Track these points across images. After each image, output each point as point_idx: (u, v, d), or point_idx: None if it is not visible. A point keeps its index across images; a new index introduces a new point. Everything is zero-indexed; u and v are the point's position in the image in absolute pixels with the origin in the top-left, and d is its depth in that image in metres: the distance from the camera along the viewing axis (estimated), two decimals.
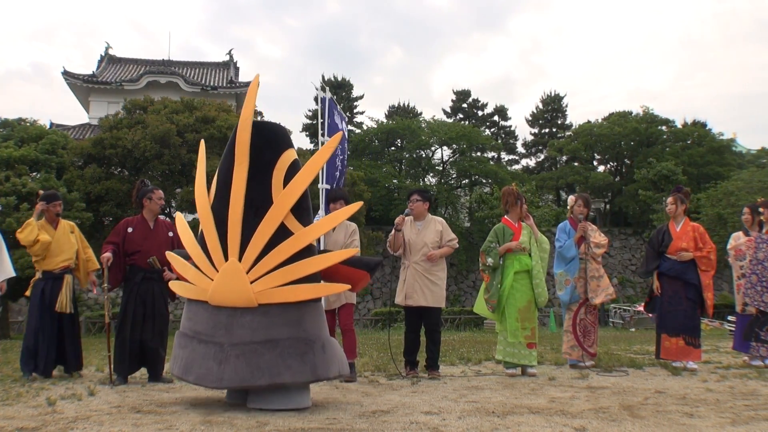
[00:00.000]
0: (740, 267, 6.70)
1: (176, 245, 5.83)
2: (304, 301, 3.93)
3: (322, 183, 6.00)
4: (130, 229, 5.70)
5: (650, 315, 7.02)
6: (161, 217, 5.99)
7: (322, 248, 5.81)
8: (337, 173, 6.37)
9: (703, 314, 6.41)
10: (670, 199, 6.53)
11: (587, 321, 6.41)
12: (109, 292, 5.67)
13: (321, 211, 5.91)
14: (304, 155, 21.26)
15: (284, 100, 75.60)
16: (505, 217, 6.23)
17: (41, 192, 6.30)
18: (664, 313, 6.31)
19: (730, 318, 15.97)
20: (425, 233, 5.95)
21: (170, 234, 5.85)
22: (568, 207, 6.81)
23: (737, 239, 6.87)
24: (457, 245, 6.12)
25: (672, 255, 6.30)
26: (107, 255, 5.51)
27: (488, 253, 6.07)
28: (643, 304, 6.98)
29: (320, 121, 6.19)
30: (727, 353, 8.08)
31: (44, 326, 5.84)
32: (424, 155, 32.47)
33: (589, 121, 35.90)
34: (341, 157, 6.42)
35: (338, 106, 6.52)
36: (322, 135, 6.09)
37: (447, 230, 6.05)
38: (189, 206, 18.69)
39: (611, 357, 7.28)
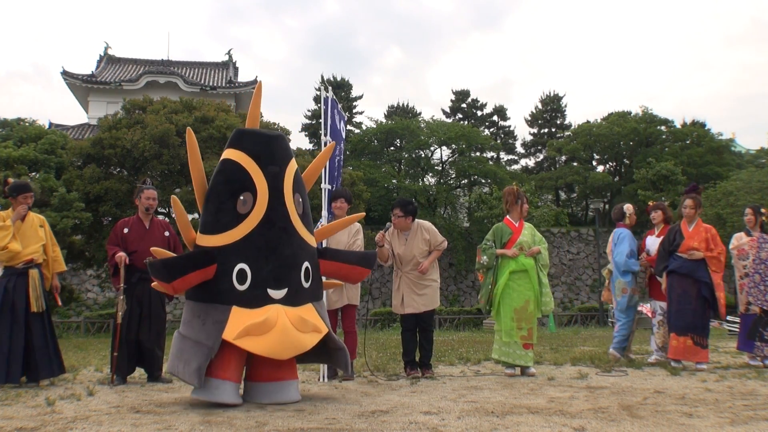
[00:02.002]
0: (743, 267, 6.69)
1: (172, 245, 5.82)
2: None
3: (325, 183, 5.99)
4: (126, 230, 5.74)
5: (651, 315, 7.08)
6: (159, 217, 5.99)
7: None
8: (340, 169, 6.38)
9: (716, 315, 6.42)
10: (689, 203, 6.47)
11: None
12: (123, 294, 5.52)
13: (324, 212, 5.91)
14: (303, 155, 21.26)
15: (283, 100, 75.64)
16: (507, 217, 6.24)
17: (10, 181, 5.71)
18: (672, 311, 6.32)
19: (729, 318, 15.96)
20: (413, 244, 5.94)
21: (166, 234, 5.86)
22: (628, 215, 7.21)
23: (739, 239, 6.86)
24: (445, 247, 6.13)
25: (683, 253, 6.31)
26: (122, 254, 5.54)
27: (484, 251, 6.09)
28: (646, 305, 7.04)
29: (323, 121, 6.16)
30: (726, 353, 8.09)
31: (3, 329, 5.32)
32: (423, 155, 32.47)
33: (588, 121, 35.91)
34: (339, 158, 6.41)
35: (339, 106, 6.49)
36: (324, 135, 6.07)
37: (434, 235, 6.02)
38: (188, 206, 18.68)
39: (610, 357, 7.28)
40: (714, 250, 6.31)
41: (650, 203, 7.49)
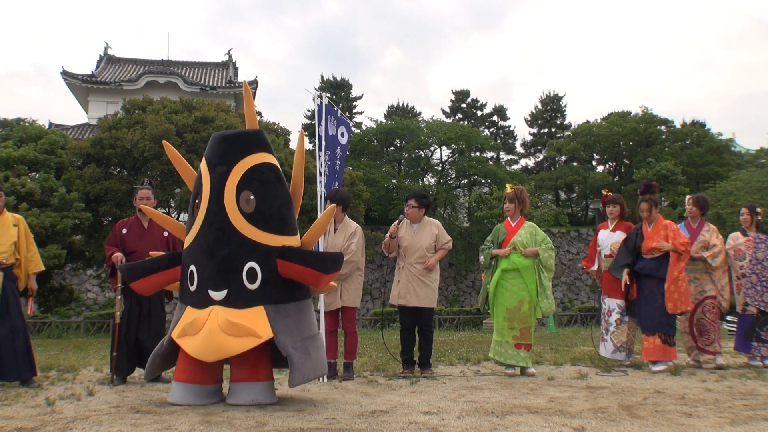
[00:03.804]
0: (740, 267, 6.67)
1: (171, 245, 5.82)
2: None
3: (320, 186, 5.99)
4: (124, 230, 5.77)
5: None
6: None
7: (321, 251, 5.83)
8: (336, 175, 6.34)
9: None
10: (644, 206, 6.45)
11: (706, 320, 6.48)
12: (121, 294, 5.51)
13: (320, 213, 5.92)
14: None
15: (283, 100, 75.69)
16: (508, 217, 6.30)
17: None
18: (641, 312, 6.27)
19: (728, 318, 15.95)
20: (421, 236, 6.03)
21: (165, 234, 5.86)
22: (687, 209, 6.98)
23: (735, 239, 6.84)
24: (451, 247, 6.26)
25: (646, 254, 6.29)
26: (119, 255, 5.55)
27: (481, 252, 6.27)
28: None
29: (317, 132, 6.09)
30: (726, 353, 8.07)
31: None
32: (423, 155, 32.48)
33: (588, 121, 35.96)
34: (338, 163, 6.38)
35: (338, 112, 6.40)
36: (319, 142, 6.02)
37: (442, 233, 6.15)
38: (188, 206, 18.70)
39: None
40: (675, 242, 6.20)
41: (605, 193, 7.28)
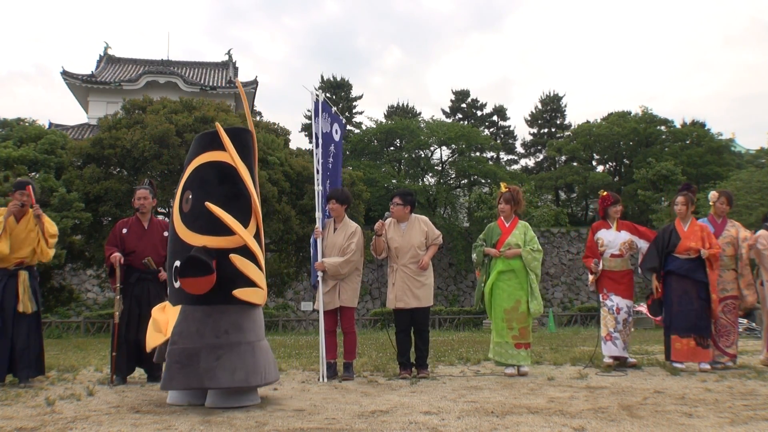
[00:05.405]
0: None
1: None
2: None
3: (319, 185, 5.99)
4: (124, 230, 5.78)
5: (655, 318, 6.78)
6: (159, 217, 6.01)
7: (320, 251, 5.82)
8: (328, 173, 6.33)
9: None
10: (680, 199, 6.41)
11: (725, 320, 6.37)
12: (121, 294, 5.52)
13: (319, 212, 5.91)
14: (303, 155, 21.24)
15: (283, 100, 75.69)
16: (501, 217, 6.28)
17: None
18: (673, 313, 6.17)
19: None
20: (411, 235, 5.94)
21: (165, 234, 5.87)
22: (711, 203, 6.81)
23: (766, 239, 6.66)
24: (441, 242, 6.18)
25: (681, 254, 6.26)
26: (118, 255, 5.56)
27: (474, 249, 6.29)
28: (645, 305, 6.80)
29: (314, 129, 6.11)
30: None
31: None
32: (423, 155, 32.48)
33: (588, 121, 35.97)
34: (332, 161, 6.38)
35: (333, 109, 6.39)
36: (316, 138, 6.04)
37: (431, 229, 6.06)
38: None
39: None
40: (712, 248, 6.19)
41: (603, 193, 7.07)
